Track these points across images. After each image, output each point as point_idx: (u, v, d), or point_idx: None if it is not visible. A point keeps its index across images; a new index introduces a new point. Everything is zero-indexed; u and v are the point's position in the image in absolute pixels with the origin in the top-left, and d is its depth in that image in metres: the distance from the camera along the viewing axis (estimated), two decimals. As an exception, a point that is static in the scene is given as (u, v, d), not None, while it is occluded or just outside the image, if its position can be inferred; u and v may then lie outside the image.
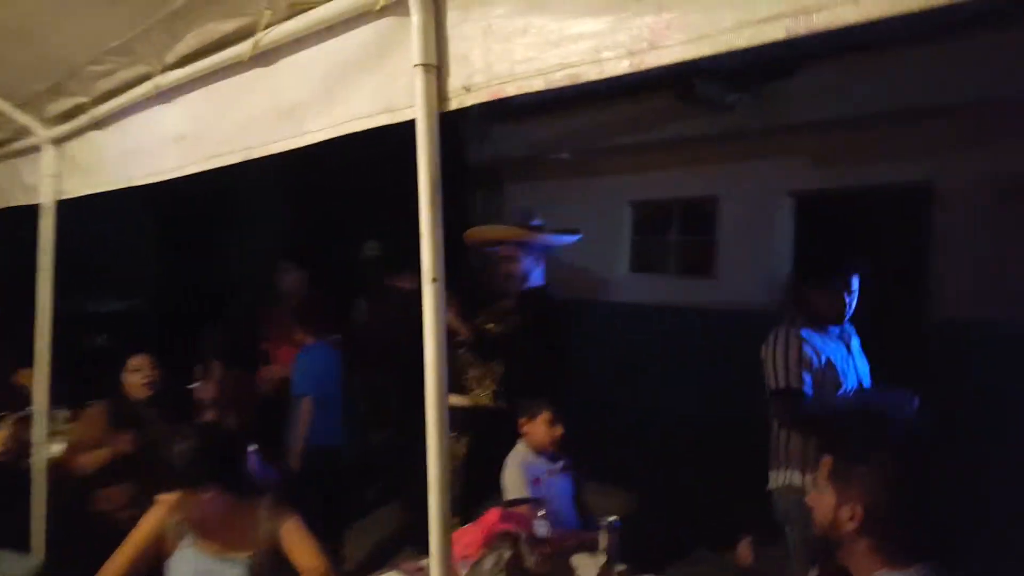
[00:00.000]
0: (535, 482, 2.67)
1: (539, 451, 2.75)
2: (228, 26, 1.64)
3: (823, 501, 1.69)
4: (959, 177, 5.13)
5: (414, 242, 1.30)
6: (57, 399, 2.95)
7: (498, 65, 1.21)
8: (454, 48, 1.29)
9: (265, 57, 1.68)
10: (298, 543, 2.14)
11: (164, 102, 2.05)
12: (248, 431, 3.53)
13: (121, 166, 2.32)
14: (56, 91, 2.31)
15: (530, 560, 1.97)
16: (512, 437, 2.92)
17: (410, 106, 1.39)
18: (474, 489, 2.99)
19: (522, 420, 2.77)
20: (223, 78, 1.83)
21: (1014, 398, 4.37)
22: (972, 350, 5.06)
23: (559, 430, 2.72)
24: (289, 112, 1.67)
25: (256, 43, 1.62)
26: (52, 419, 2.91)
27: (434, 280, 1.33)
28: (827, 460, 1.74)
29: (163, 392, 3.34)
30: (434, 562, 1.33)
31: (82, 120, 2.43)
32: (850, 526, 1.61)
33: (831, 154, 5.59)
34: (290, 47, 1.62)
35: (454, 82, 1.30)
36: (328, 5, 1.46)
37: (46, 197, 2.70)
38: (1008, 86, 4.41)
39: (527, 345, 2.98)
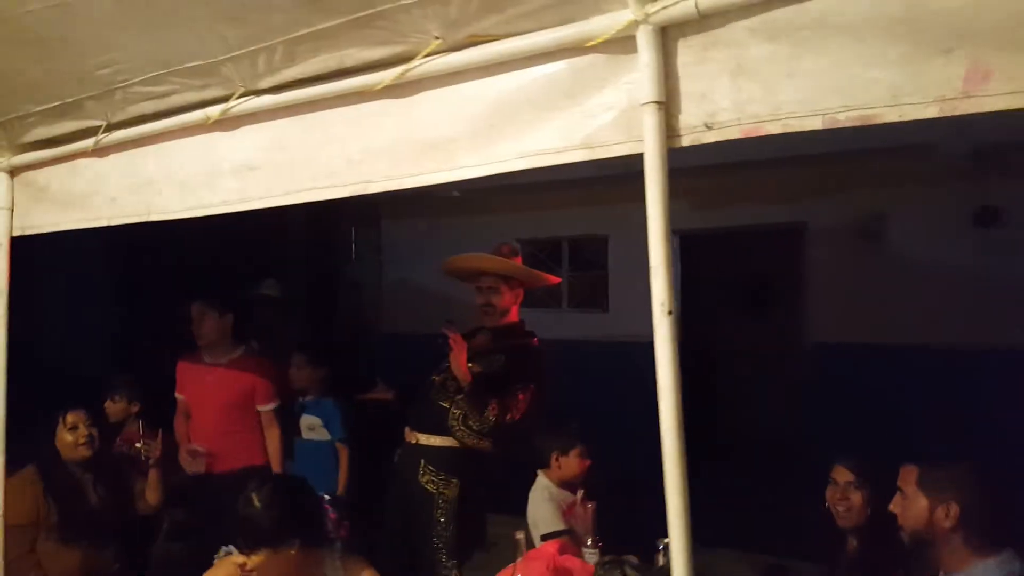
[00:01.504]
0: (565, 513, 2.66)
1: (562, 483, 2.75)
2: (375, 53, 1.51)
3: (916, 505, 1.87)
4: (827, 218, 5.87)
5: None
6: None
7: (754, 105, 1.24)
8: (687, 86, 1.30)
9: (399, 89, 1.57)
10: None
11: (223, 130, 1.83)
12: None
13: (136, 199, 2.02)
14: (55, 114, 1.96)
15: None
16: (492, 476, 2.90)
17: (622, 142, 1.38)
18: (467, 529, 2.89)
19: (554, 454, 2.75)
20: (326, 107, 1.68)
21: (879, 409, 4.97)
22: (838, 368, 5.77)
23: (587, 463, 2.74)
24: (432, 147, 1.56)
25: (403, 73, 1.51)
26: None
27: (669, 313, 1.32)
28: (911, 469, 1.93)
29: (102, 452, 3.00)
30: None
31: (69, 148, 2.09)
32: (947, 524, 1.80)
33: (711, 197, 6.11)
34: (440, 79, 1.53)
35: (688, 119, 1.31)
36: (519, 39, 1.41)
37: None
38: (865, 138, 5.16)
39: (510, 384, 2.93)
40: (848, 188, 5.71)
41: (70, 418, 2.88)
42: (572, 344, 7.00)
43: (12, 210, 2.33)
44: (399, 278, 8.53)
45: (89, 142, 2.03)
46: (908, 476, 1.91)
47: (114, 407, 3.59)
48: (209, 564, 2.04)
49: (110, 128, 1.98)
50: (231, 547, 1.99)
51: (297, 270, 7.51)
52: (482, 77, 1.49)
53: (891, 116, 1.14)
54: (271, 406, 3.42)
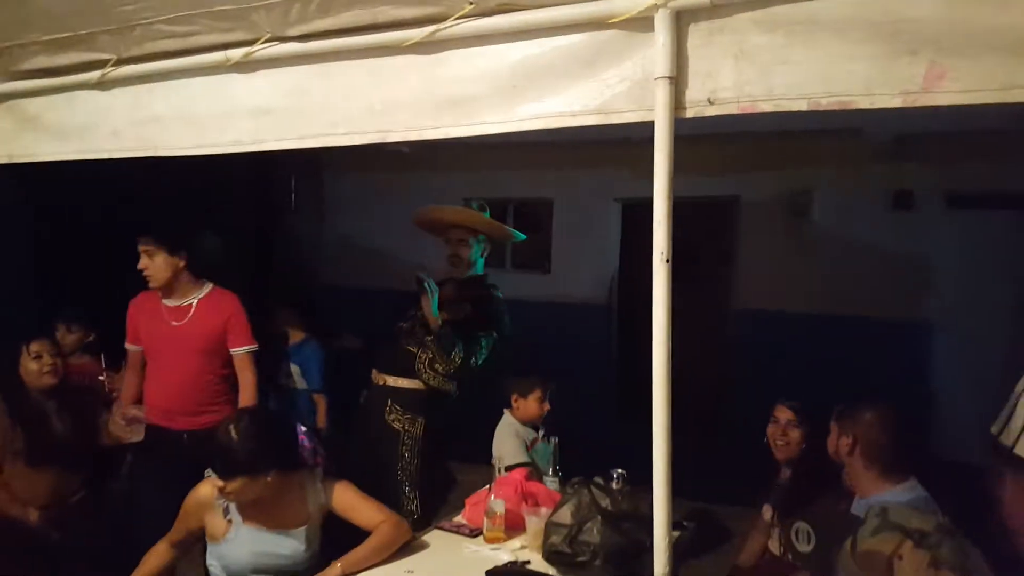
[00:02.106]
0: (528, 448, 2.91)
1: (525, 422, 2.99)
2: (407, 12, 1.64)
3: (831, 437, 2.22)
4: (760, 193, 6.27)
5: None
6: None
7: (751, 86, 1.45)
8: (695, 65, 1.50)
9: (426, 46, 1.71)
10: (356, 504, 2.22)
11: (241, 72, 1.91)
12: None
13: (140, 134, 2.08)
14: (62, 44, 1.99)
15: (605, 501, 2.21)
16: (457, 417, 3.12)
17: (633, 110, 1.57)
18: (430, 463, 3.10)
19: (514, 396, 2.98)
20: (351, 58, 1.79)
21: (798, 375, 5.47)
22: (763, 335, 6.24)
23: (547, 407, 2.97)
24: (454, 103, 1.71)
25: (433, 32, 1.65)
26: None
27: (667, 261, 1.53)
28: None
29: (65, 381, 3.10)
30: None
31: (70, 79, 2.12)
32: (845, 451, 2.16)
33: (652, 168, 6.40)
34: (467, 40, 1.68)
35: (693, 94, 1.51)
36: (547, 10, 1.57)
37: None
38: (798, 120, 5.54)
39: (475, 331, 3.13)
40: (779, 166, 6.10)
41: (34, 347, 2.95)
42: (514, 303, 7.21)
43: None
44: (340, 232, 8.47)
45: (94, 75, 2.07)
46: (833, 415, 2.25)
47: (69, 336, 3.53)
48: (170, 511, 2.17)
49: (119, 63, 2.01)
50: (210, 471, 2.12)
51: (239, 221, 7.39)
52: (508, 42, 1.65)
53: (864, 103, 1.37)
54: (247, 348, 3.03)
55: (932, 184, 5.60)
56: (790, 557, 1.33)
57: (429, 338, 2.97)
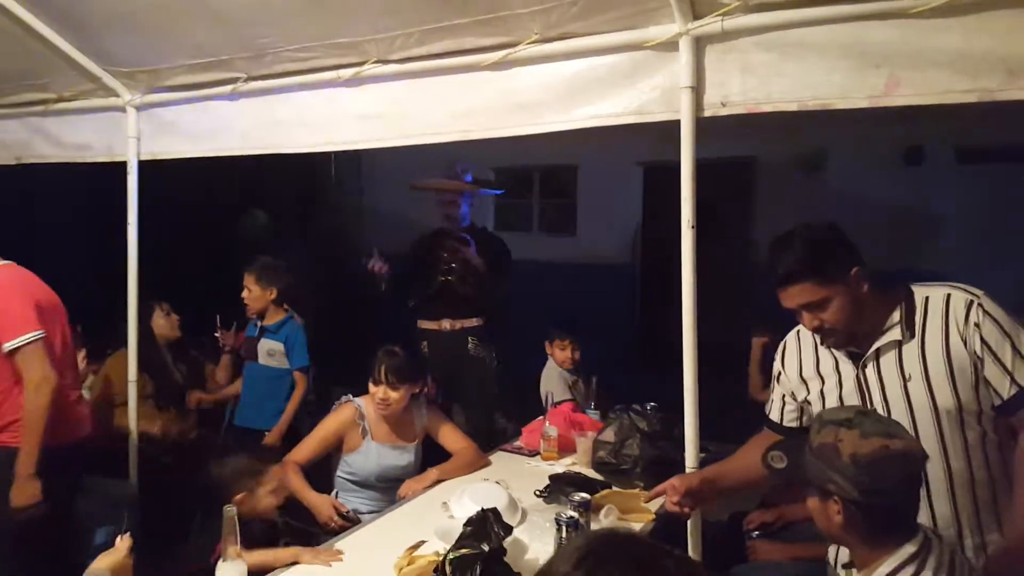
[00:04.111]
0: (570, 387, 3.47)
1: (562, 366, 3.52)
2: (486, 41, 2.12)
3: None
4: (775, 153, 6.67)
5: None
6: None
7: (754, 92, 1.92)
8: (711, 77, 1.97)
9: (500, 65, 2.19)
10: (449, 431, 2.81)
11: (350, 86, 2.41)
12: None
13: (266, 135, 2.60)
14: (204, 67, 2.50)
15: (643, 423, 2.75)
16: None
17: (663, 112, 2.05)
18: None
19: (548, 344, 3.57)
20: (439, 75, 2.28)
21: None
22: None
23: (574, 354, 3.49)
24: (522, 108, 2.20)
25: (505, 56, 2.13)
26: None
27: (692, 227, 2.02)
28: None
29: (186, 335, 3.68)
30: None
31: (205, 91, 2.64)
32: None
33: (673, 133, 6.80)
34: (532, 60, 2.16)
35: (710, 99, 1.99)
36: (596, 37, 2.05)
37: (131, 157, 2.84)
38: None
39: (482, 271, 3.66)
40: (793, 127, 6.48)
41: (165, 305, 3.50)
42: (542, 265, 7.73)
43: (139, 139, 2.87)
44: (376, 201, 8.92)
45: (226, 88, 2.58)
46: None
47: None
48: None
49: (249, 79, 2.52)
50: (349, 395, 2.68)
51: (285, 195, 7.95)
52: (565, 60, 2.13)
53: (841, 104, 1.84)
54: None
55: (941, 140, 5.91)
56: (773, 475, 1.57)
57: (472, 281, 3.56)
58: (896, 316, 1.67)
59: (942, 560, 1.37)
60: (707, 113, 2.00)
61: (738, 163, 7.00)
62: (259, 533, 2.06)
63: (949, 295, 1.64)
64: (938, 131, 5.93)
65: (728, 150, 6.85)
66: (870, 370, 1.71)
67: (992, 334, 1.57)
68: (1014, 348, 1.56)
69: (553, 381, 3.52)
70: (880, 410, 1.67)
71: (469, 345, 3.67)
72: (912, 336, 1.65)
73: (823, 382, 1.80)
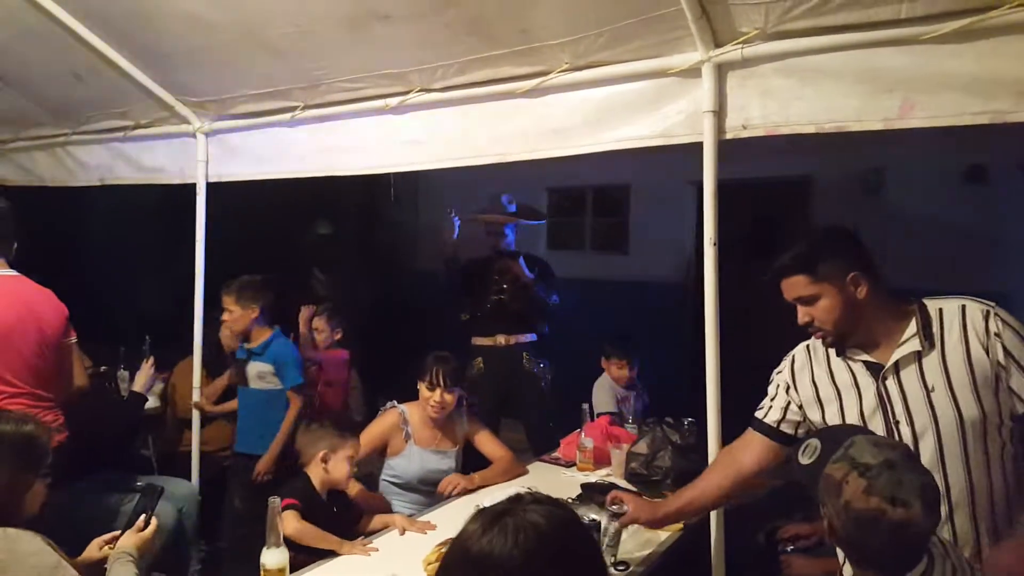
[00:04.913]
0: (619, 402, 3.55)
1: (617, 382, 3.61)
2: (521, 70, 2.27)
3: None
4: (834, 173, 6.58)
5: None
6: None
7: (774, 116, 2.01)
8: (732, 101, 2.06)
9: (534, 92, 2.33)
10: (488, 439, 2.94)
11: (396, 113, 2.59)
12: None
13: (321, 158, 2.81)
14: (265, 96, 2.74)
15: (675, 436, 2.81)
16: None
17: (687, 135, 2.15)
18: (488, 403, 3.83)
19: (604, 360, 3.64)
20: (478, 102, 2.44)
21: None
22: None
23: (630, 372, 3.58)
24: (555, 132, 2.33)
25: (538, 83, 2.27)
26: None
27: (714, 244, 2.11)
28: None
29: None
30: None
31: (266, 119, 2.87)
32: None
33: (730, 152, 6.81)
34: (564, 87, 2.29)
35: (731, 123, 2.08)
36: (622, 65, 2.17)
37: (200, 179, 3.11)
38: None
39: (532, 287, 3.87)
40: (851, 147, 6.39)
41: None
42: (595, 283, 7.78)
43: (207, 162, 3.13)
44: (431, 219, 9.16)
45: (286, 116, 2.80)
46: None
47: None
48: None
49: (306, 108, 2.74)
50: (394, 401, 2.84)
51: (346, 211, 8.29)
52: (594, 87, 2.26)
53: (855, 127, 1.91)
54: None
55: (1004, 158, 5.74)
56: (790, 468, 1.50)
57: (525, 297, 3.74)
58: (913, 327, 1.68)
59: (945, 572, 1.38)
60: (729, 136, 2.09)
61: (795, 181, 6.94)
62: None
63: (964, 306, 1.66)
64: (1001, 148, 5.75)
65: (782, 169, 6.87)
66: (891, 382, 1.70)
67: (1015, 344, 1.59)
68: None
69: (604, 394, 3.63)
70: (903, 422, 1.67)
71: (524, 360, 3.83)
72: (932, 347, 1.65)
73: (841, 400, 1.79)
